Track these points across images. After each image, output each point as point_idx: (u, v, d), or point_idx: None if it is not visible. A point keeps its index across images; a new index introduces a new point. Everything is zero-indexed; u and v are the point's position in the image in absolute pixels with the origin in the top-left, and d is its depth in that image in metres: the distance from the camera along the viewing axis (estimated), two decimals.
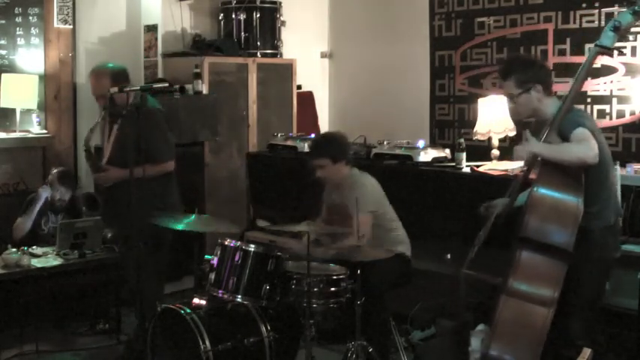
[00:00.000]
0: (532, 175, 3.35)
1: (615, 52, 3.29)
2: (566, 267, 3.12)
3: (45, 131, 5.74)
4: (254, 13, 6.00)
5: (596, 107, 5.07)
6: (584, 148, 3.06)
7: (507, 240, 3.35)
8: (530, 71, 3.32)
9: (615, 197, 3.40)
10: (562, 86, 5.14)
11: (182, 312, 3.65)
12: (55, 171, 5.15)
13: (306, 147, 5.55)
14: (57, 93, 5.83)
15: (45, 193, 5.04)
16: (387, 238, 4.16)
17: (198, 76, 5.54)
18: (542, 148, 3.18)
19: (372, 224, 4.05)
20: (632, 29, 4.80)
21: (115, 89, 3.90)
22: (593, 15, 5.03)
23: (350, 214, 4.03)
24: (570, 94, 3.24)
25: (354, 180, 4.17)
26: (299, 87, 6.47)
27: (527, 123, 3.88)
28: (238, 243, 3.82)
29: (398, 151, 4.99)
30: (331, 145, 4.20)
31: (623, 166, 4.49)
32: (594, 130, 3.19)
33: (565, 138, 3.15)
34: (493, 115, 4.96)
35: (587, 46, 5.05)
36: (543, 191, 3.16)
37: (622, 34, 3.20)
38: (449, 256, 4.24)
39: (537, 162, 3.26)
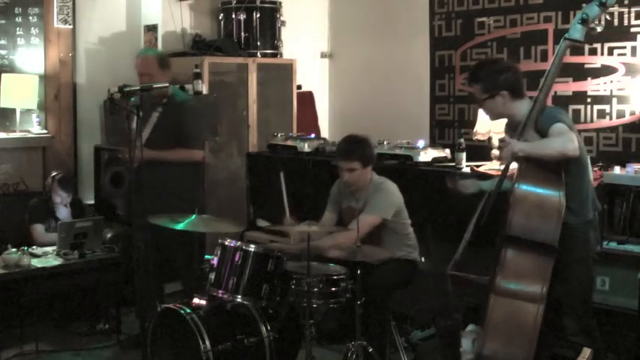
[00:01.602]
0: (510, 172, 3.40)
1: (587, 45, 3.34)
2: (552, 262, 3.13)
3: (45, 131, 5.74)
4: (254, 13, 6.00)
5: (596, 107, 5.07)
6: (563, 140, 3.10)
7: (492, 239, 3.36)
8: (497, 79, 3.37)
9: (593, 193, 3.43)
10: (561, 86, 5.18)
11: (182, 312, 3.66)
12: (54, 175, 5.15)
13: (306, 147, 5.56)
14: (57, 93, 5.83)
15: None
16: (401, 244, 4.17)
17: (198, 76, 5.54)
18: (523, 146, 3.21)
19: (373, 227, 4.04)
20: (632, 29, 4.83)
21: (115, 89, 3.91)
22: None
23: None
24: (543, 89, 3.27)
25: (377, 185, 4.16)
26: (299, 87, 6.47)
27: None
28: (238, 243, 3.82)
29: (398, 151, 4.99)
30: (363, 148, 4.12)
31: (623, 166, 4.49)
32: (571, 126, 3.24)
33: (544, 134, 3.19)
34: None
35: (587, 46, 5.04)
36: (525, 187, 3.18)
37: (590, 26, 3.23)
38: (423, 259, 4.27)
39: (519, 159, 3.28)
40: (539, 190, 3.16)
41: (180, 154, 4.49)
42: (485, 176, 3.53)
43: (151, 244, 4.33)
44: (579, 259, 3.29)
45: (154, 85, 4.11)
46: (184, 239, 4.08)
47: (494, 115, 3.53)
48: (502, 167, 4.55)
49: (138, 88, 3.98)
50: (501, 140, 4.47)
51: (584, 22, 3.20)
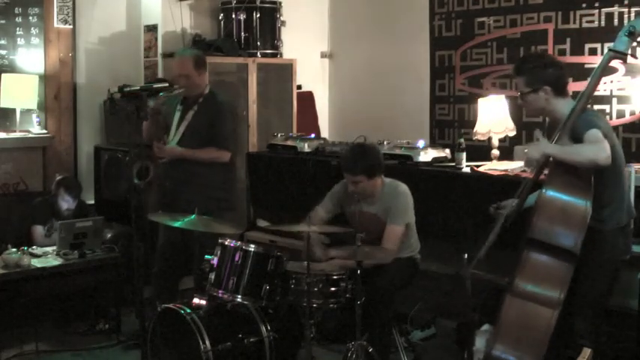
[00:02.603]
0: (542, 176, 3.36)
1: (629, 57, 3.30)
2: (572, 269, 3.12)
3: (45, 131, 5.74)
4: (254, 13, 5.99)
5: (596, 107, 5.05)
6: (596, 149, 3.06)
7: (515, 241, 3.35)
8: (541, 73, 3.34)
9: (628, 198, 3.40)
10: None
11: (182, 312, 3.66)
12: (59, 180, 5.15)
13: (306, 147, 5.56)
14: (57, 93, 5.83)
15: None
16: (407, 245, 4.18)
17: None
18: (555, 149, 3.18)
19: (401, 235, 4.06)
20: None
21: (115, 89, 3.91)
22: (593, 15, 5.02)
23: (383, 222, 4.05)
24: (584, 96, 3.25)
25: (390, 190, 4.13)
26: (299, 87, 6.46)
27: (534, 123, 3.84)
28: (238, 243, 3.82)
29: (398, 151, 4.99)
30: (367, 161, 4.02)
31: None
32: (608, 131, 3.20)
33: (578, 139, 3.15)
34: (493, 115, 4.95)
35: (587, 46, 5.05)
36: (552, 193, 3.16)
37: (637, 39, 3.21)
38: (466, 255, 4.23)
39: (549, 163, 3.25)
40: (566, 198, 3.14)
41: (210, 154, 4.51)
42: (521, 193, 3.47)
43: (179, 239, 4.43)
44: (602, 263, 3.26)
45: (154, 85, 4.12)
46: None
47: (534, 111, 3.50)
48: (512, 166, 4.56)
49: (138, 88, 3.98)
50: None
51: (631, 34, 3.19)
